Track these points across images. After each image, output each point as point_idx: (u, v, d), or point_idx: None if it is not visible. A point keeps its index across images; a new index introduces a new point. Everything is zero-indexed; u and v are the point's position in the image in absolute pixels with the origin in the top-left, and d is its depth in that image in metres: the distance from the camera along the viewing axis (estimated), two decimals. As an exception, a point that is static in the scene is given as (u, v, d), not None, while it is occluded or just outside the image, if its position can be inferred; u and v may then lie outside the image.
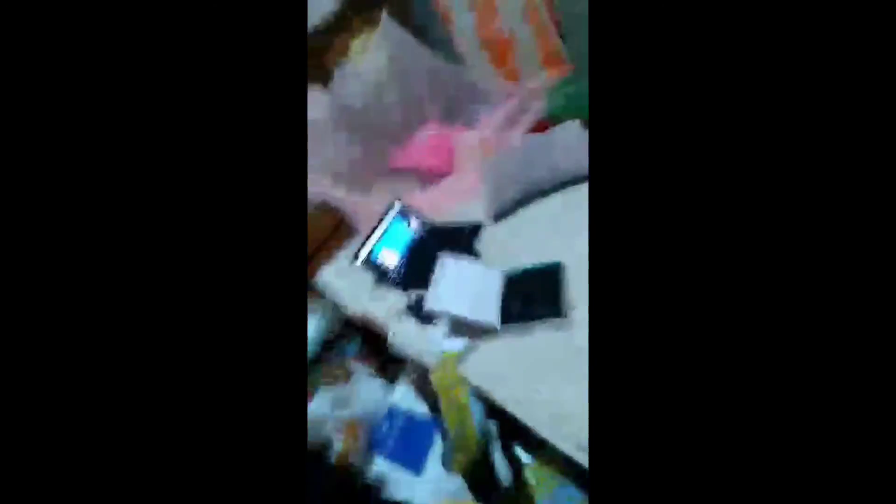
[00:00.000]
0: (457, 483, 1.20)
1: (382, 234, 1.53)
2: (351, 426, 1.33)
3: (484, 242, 1.46)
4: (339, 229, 1.69)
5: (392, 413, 1.38)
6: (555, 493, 1.12)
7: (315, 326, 1.57)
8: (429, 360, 1.26)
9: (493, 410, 1.17)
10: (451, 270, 1.31)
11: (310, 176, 1.52)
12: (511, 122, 1.73)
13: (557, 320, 1.16)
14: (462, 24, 1.77)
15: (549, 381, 1.08)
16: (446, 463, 1.23)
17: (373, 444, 1.35)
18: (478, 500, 1.19)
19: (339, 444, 1.31)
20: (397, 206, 1.58)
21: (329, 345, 1.59)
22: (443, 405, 1.17)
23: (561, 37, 1.70)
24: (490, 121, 1.76)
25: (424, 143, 1.77)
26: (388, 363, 1.49)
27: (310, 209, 1.61)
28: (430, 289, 1.29)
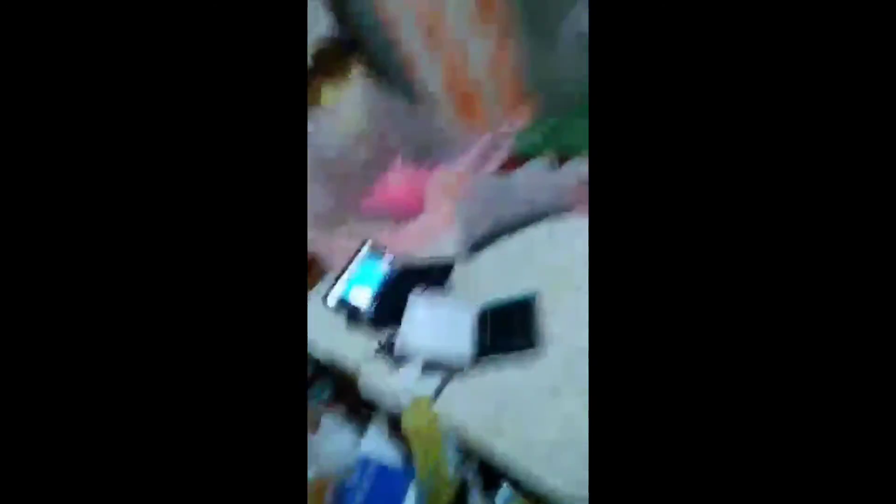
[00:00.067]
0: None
1: (353, 274, 1.51)
2: (317, 486, 1.25)
3: (456, 279, 1.45)
4: (311, 270, 1.67)
5: (363, 463, 1.30)
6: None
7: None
8: (401, 403, 1.21)
9: (469, 452, 1.12)
10: (421, 309, 1.29)
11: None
12: (480, 161, 1.76)
13: (532, 352, 1.14)
14: (428, 72, 1.83)
15: (524, 417, 1.05)
16: (420, 514, 1.17)
17: (341, 500, 1.27)
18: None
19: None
20: (368, 244, 1.57)
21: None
22: (414, 452, 1.12)
23: (525, 83, 1.76)
24: (459, 160, 1.80)
25: (395, 184, 1.79)
26: (359, 408, 1.43)
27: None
28: (401, 329, 1.26)
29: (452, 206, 1.62)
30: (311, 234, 1.68)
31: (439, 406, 1.15)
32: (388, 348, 1.29)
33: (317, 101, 1.76)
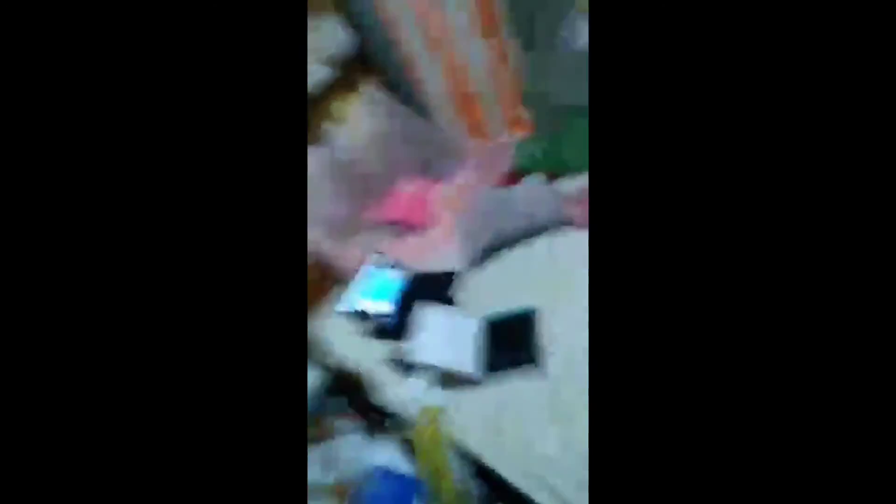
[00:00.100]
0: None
1: (367, 284, 1.57)
2: (338, 491, 1.32)
3: (460, 290, 1.50)
4: (325, 280, 1.74)
5: (375, 473, 1.36)
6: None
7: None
8: (411, 413, 1.26)
9: (476, 465, 1.17)
10: (430, 320, 1.34)
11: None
12: (483, 174, 1.81)
13: (533, 367, 1.19)
14: (434, 88, 1.89)
15: (527, 431, 1.09)
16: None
17: None
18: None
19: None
20: (380, 256, 1.64)
21: (315, 400, 1.61)
22: (421, 463, 1.17)
23: (525, 98, 1.80)
24: (463, 174, 1.85)
25: (403, 197, 1.85)
26: (372, 418, 1.50)
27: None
28: (411, 340, 1.31)
29: (454, 218, 1.67)
30: (326, 244, 1.76)
31: (446, 420, 1.20)
32: (398, 360, 1.35)
33: (332, 115, 1.83)
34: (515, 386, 1.19)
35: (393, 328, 1.45)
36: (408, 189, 1.87)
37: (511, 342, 1.27)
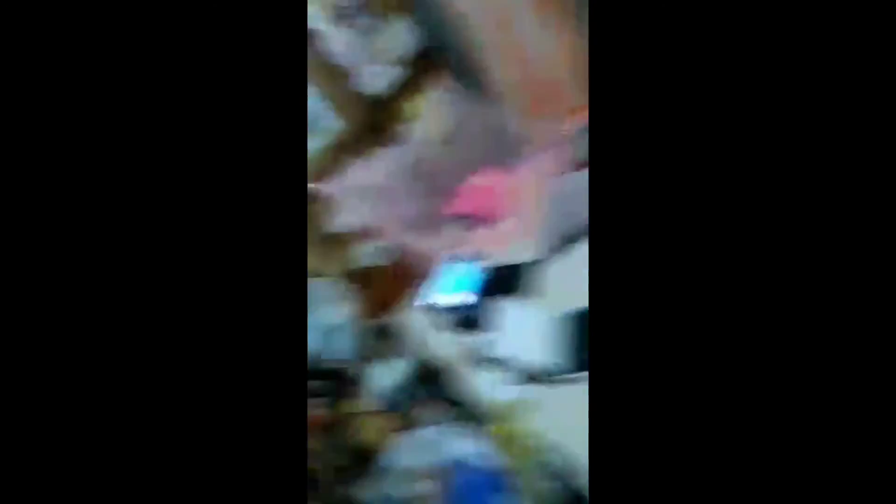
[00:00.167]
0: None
1: (447, 278, 1.62)
2: (427, 476, 1.39)
3: (538, 282, 1.48)
4: (406, 274, 1.82)
5: (460, 465, 1.39)
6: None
7: (393, 372, 1.70)
8: (497, 407, 1.27)
9: (563, 461, 1.15)
10: (511, 314, 1.34)
11: (381, 226, 1.76)
12: (557, 162, 1.77)
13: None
14: (504, 78, 1.86)
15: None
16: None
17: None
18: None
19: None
20: (459, 249, 1.68)
21: (403, 391, 1.70)
22: (507, 457, 1.18)
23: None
24: (537, 163, 1.83)
25: (478, 190, 1.86)
26: (459, 410, 1.54)
27: (382, 258, 1.79)
28: (493, 334, 1.33)
29: (531, 208, 1.67)
30: (408, 239, 1.84)
31: (530, 414, 1.20)
32: (481, 354, 1.37)
33: (404, 115, 1.90)
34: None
35: (476, 321, 1.47)
36: (482, 181, 1.88)
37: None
